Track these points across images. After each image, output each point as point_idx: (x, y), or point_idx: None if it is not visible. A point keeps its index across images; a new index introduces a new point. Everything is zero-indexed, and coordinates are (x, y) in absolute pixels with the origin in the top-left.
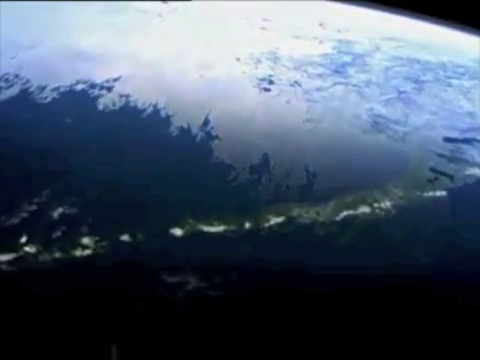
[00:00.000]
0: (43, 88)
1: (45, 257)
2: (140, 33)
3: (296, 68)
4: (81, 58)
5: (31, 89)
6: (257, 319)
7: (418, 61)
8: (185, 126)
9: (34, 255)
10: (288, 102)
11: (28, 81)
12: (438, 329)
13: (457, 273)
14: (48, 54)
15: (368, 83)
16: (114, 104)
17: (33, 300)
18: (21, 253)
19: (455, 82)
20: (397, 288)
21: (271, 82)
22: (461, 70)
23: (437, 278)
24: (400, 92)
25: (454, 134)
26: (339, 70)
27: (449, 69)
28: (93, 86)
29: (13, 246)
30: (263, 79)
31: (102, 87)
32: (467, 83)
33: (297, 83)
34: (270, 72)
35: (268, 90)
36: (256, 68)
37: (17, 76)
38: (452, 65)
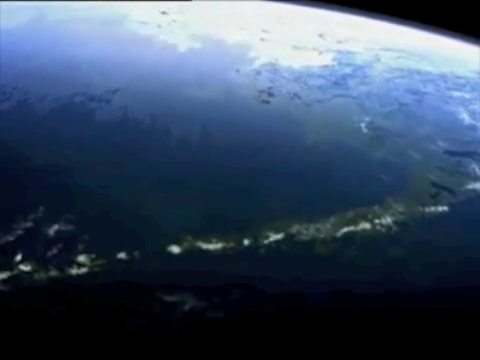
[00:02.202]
0: (41, 100)
1: (40, 275)
2: (139, 44)
3: (296, 80)
4: (80, 70)
5: (29, 101)
6: (256, 337)
7: (419, 72)
8: (183, 139)
9: (29, 273)
10: (288, 114)
11: (26, 92)
12: (439, 347)
13: (459, 290)
14: (47, 65)
15: (368, 95)
16: (112, 116)
17: (28, 319)
18: (16, 271)
19: (456, 94)
20: (398, 306)
21: (270, 94)
22: (462, 81)
23: (439, 295)
24: (401, 104)
25: (455, 147)
26: (339, 82)
27: (450, 80)
28: (91, 98)
29: (8, 264)
30: (262, 91)
31: (101, 99)
32: (468, 95)
33: (297, 95)
34: (269, 84)
35: (267, 102)
36: (255, 80)
37: (15, 87)
38: (453, 76)
